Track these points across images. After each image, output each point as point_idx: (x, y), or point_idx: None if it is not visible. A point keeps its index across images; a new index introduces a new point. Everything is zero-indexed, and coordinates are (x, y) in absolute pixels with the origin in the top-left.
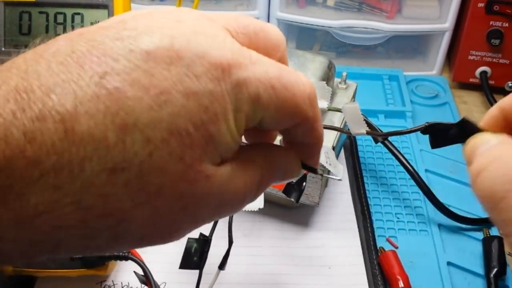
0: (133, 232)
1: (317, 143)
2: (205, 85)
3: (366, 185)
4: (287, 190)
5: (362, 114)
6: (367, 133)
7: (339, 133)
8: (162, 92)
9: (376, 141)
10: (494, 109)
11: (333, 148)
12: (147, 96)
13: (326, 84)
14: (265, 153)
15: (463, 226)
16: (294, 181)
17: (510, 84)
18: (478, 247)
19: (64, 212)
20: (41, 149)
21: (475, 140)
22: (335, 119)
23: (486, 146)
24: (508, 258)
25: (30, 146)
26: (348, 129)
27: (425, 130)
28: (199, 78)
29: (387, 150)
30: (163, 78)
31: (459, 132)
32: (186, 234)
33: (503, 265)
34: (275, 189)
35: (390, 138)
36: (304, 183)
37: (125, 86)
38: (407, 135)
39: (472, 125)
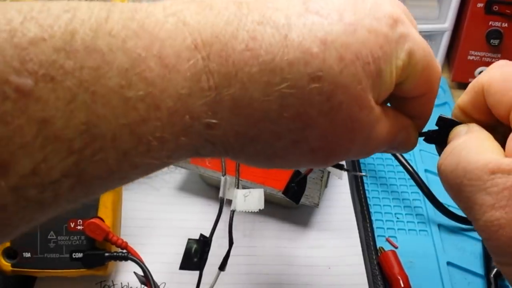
0: (310, 141)
1: (426, 119)
2: (382, 27)
3: (365, 185)
4: (287, 191)
5: None
6: None
7: None
8: (351, 23)
9: None
10: (456, 109)
11: None
12: (341, 23)
13: None
14: (397, 114)
15: (463, 226)
16: (293, 183)
17: None
18: (478, 247)
19: (270, 106)
20: (261, 47)
21: (451, 135)
22: None
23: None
24: None
25: (252, 42)
26: None
27: (426, 138)
28: (379, 20)
29: None
30: (352, 13)
31: (444, 130)
32: (335, 162)
33: None
34: (275, 189)
35: None
36: (304, 184)
37: (324, 9)
38: None
39: (449, 120)
